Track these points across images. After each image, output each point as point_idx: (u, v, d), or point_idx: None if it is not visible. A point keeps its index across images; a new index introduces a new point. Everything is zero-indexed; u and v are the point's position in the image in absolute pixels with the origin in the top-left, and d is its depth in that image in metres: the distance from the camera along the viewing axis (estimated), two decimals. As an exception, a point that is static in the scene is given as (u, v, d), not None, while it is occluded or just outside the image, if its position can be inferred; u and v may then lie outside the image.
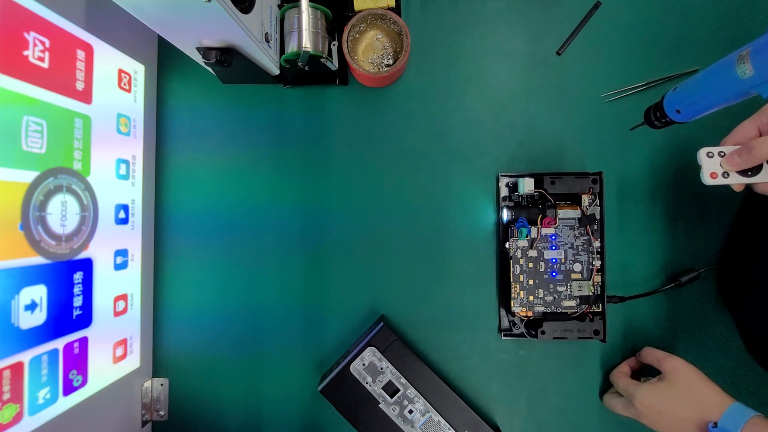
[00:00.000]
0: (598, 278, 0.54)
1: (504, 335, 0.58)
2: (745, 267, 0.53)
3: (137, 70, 0.58)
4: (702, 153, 0.42)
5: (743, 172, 0.41)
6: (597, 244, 0.54)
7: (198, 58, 0.50)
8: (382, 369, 0.54)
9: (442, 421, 0.53)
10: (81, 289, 0.48)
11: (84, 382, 0.49)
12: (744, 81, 0.36)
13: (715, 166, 0.42)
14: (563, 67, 0.60)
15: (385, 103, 0.61)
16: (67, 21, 0.46)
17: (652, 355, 0.53)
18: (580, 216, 0.55)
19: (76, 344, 0.48)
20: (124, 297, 0.55)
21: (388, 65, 0.59)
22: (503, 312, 0.59)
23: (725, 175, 0.41)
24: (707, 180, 0.42)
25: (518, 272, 0.55)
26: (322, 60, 0.53)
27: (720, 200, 0.58)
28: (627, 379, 0.54)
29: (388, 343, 0.54)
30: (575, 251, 0.55)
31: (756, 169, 0.40)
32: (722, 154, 0.41)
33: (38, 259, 0.42)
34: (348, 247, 0.61)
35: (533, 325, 0.56)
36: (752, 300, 0.51)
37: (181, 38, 0.48)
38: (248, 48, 0.49)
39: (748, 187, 0.42)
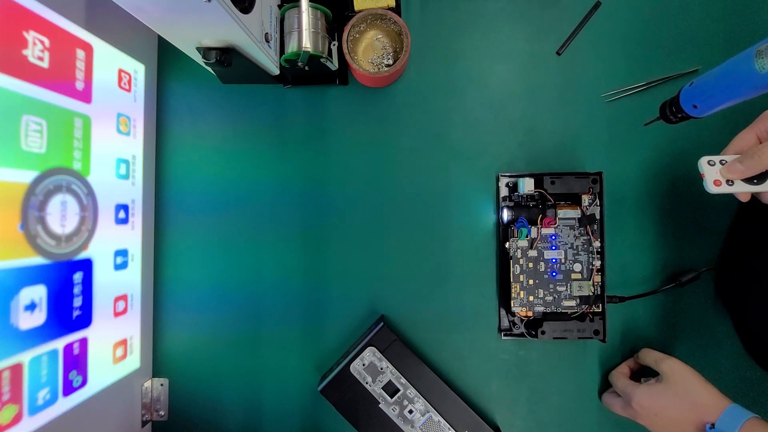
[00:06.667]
0: (598, 278, 0.54)
1: (504, 335, 0.58)
2: (743, 268, 0.53)
3: (137, 70, 0.58)
4: (703, 161, 0.41)
5: (749, 180, 0.40)
6: (597, 244, 0.54)
7: (198, 58, 0.50)
8: (382, 369, 0.54)
9: (442, 421, 0.54)
10: (81, 289, 0.48)
11: (84, 383, 0.49)
12: (762, 76, 0.35)
13: (718, 174, 0.41)
14: (563, 67, 0.60)
15: (385, 103, 0.61)
16: (66, 20, 0.45)
17: (650, 356, 0.53)
18: (580, 216, 0.55)
19: (75, 344, 0.47)
20: (124, 297, 0.55)
21: (388, 65, 0.59)
22: (503, 312, 0.59)
23: (730, 182, 0.40)
24: (711, 188, 0.41)
25: (518, 272, 0.55)
26: (322, 60, 0.53)
27: (719, 201, 0.58)
28: (625, 380, 0.54)
29: (388, 343, 0.54)
30: (575, 251, 0.55)
31: (762, 177, 0.40)
32: (723, 162, 0.41)
33: (38, 260, 0.42)
34: (348, 247, 0.61)
35: (533, 325, 0.56)
36: (751, 301, 0.51)
37: (181, 38, 0.48)
38: (248, 48, 0.49)
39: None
